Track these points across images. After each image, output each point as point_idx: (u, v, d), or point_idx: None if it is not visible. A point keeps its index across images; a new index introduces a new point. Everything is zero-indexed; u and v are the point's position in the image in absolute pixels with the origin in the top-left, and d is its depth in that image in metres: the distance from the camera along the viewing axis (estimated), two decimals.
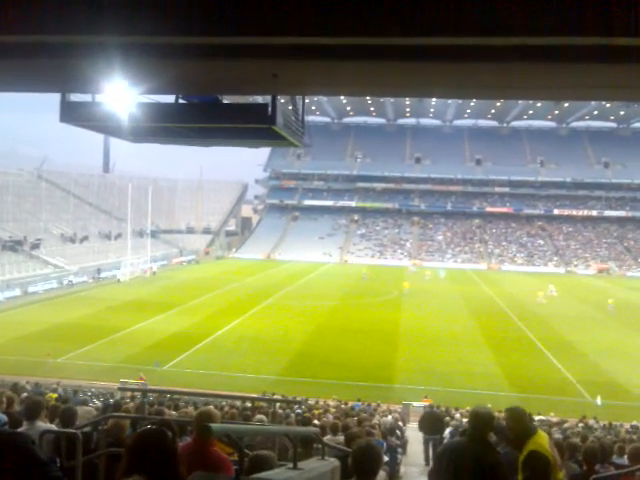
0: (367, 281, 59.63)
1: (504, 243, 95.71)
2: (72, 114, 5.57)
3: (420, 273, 70.99)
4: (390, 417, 18.28)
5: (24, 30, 3.25)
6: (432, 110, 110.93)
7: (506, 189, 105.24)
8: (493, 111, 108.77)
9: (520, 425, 4.86)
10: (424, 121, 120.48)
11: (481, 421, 4.53)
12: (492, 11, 3.02)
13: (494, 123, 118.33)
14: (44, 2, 3.17)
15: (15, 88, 5.57)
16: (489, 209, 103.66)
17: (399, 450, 14.25)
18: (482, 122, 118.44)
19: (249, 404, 16.06)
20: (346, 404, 21.42)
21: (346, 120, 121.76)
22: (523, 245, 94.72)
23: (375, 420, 15.55)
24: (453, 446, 4.86)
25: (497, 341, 36.68)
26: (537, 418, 19.53)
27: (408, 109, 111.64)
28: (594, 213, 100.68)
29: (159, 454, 2.57)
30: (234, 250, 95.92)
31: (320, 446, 6.32)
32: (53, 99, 5.75)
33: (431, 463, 14.38)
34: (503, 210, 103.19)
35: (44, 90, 5.46)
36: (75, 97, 5.54)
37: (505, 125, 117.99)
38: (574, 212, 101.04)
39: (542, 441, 4.75)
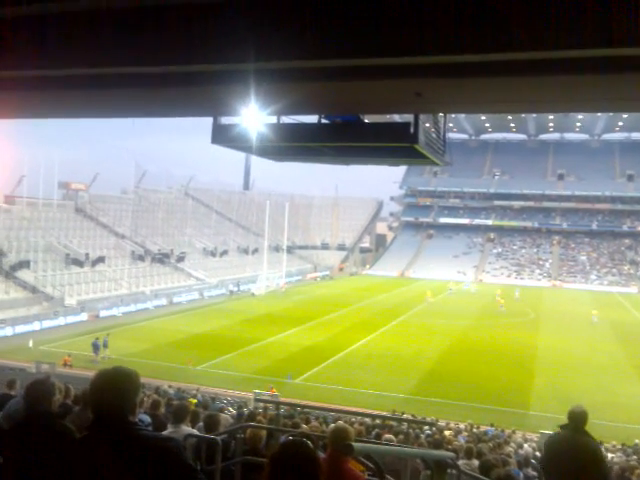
0: (501, 301, 57.52)
1: None
2: (222, 136, 5.90)
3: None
4: (526, 446, 17.40)
5: (176, 61, 3.54)
6: (578, 124, 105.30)
7: None
8: None
9: None
10: (569, 136, 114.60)
11: (580, 416, 4.63)
12: None
13: None
14: (201, 37, 3.41)
15: (172, 114, 6.01)
16: None
17: None
18: (636, 135, 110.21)
19: (379, 422, 16.00)
20: (478, 428, 20.71)
21: (484, 137, 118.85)
22: None
23: (510, 448, 14.89)
24: (560, 439, 4.95)
25: None
26: None
27: (551, 124, 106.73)
28: None
29: (304, 466, 2.60)
30: (368, 267, 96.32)
31: (454, 472, 6.10)
32: (199, 122, 6.14)
33: None
34: None
35: (196, 115, 5.85)
36: (225, 120, 5.87)
37: None
38: None
39: None
